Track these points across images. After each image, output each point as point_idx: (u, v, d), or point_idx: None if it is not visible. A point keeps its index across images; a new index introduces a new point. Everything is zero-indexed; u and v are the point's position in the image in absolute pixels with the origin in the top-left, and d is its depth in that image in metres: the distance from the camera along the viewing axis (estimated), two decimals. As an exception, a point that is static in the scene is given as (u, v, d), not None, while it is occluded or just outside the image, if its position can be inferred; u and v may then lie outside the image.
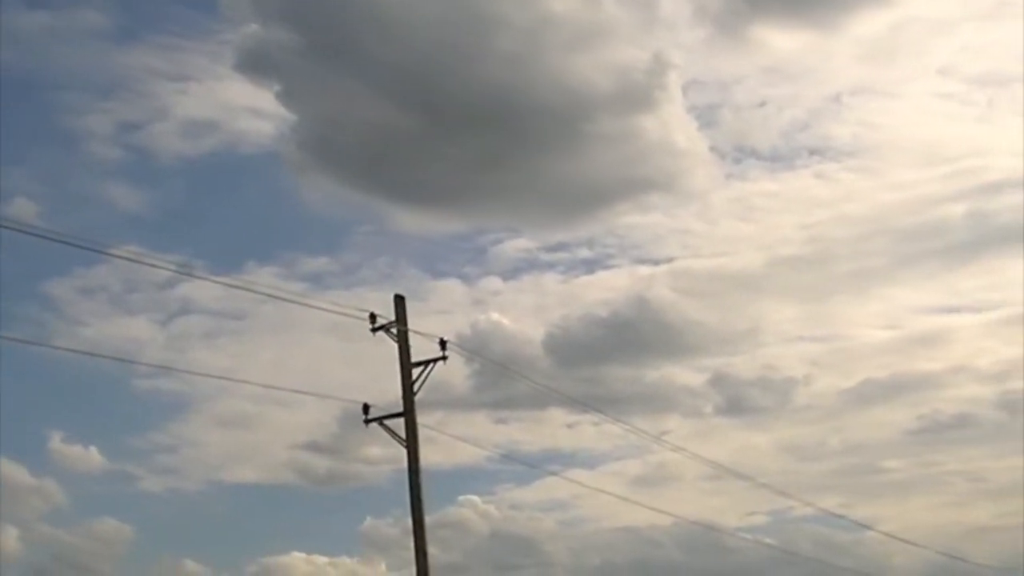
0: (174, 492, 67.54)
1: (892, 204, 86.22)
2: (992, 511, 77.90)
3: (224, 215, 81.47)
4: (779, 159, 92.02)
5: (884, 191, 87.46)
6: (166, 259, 49.40)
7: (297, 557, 62.21)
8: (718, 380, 78.28)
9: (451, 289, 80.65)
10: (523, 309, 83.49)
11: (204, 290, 70.75)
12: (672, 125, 77.49)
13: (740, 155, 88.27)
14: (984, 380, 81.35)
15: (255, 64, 75.09)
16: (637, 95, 73.85)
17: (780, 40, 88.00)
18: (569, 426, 71.37)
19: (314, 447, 67.33)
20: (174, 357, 70.45)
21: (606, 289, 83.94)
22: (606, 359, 76.54)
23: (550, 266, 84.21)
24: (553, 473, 54.95)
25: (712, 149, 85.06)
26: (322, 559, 62.71)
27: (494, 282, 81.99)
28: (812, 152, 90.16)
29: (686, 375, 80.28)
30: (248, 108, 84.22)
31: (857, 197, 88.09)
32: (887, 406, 79.62)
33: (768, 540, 65.41)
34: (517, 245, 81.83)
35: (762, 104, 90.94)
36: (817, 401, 79.07)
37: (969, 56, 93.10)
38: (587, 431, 70.63)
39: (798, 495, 60.64)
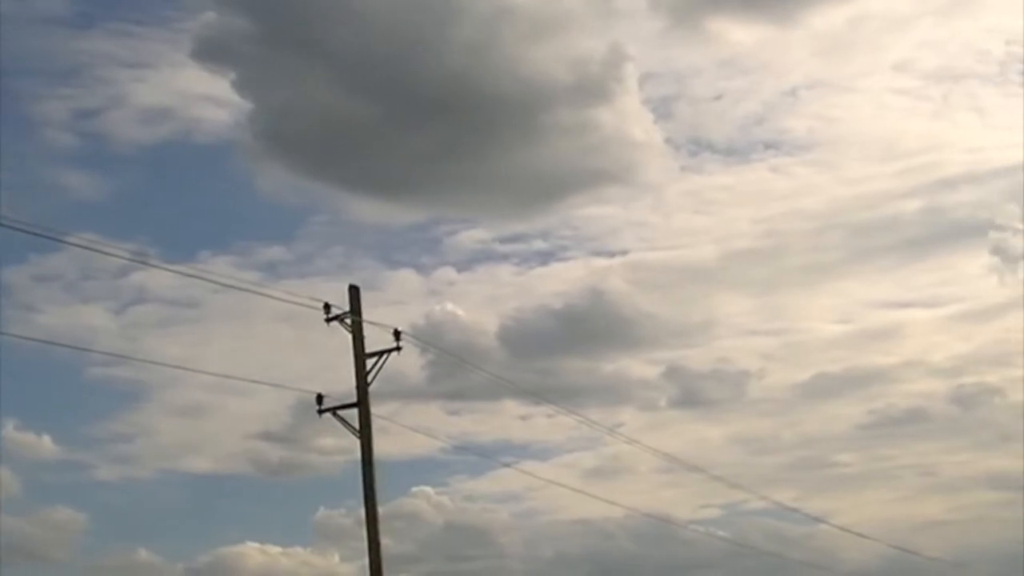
0: (128, 481, 67.32)
1: (847, 199, 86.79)
2: (944, 505, 78.75)
3: (180, 203, 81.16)
4: (735, 152, 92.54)
5: (839, 185, 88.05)
6: (122, 247, 49.15)
7: (251, 547, 62.19)
8: (672, 373, 78.63)
9: (406, 279, 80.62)
10: (478, 300, 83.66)
11: (159, 278, 70.41)
12: (628, 117, 77.69)
13: (696, 148, 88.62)
14: (937, 375, 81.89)
15: (212, 52, 74.70)
16: (594, 87, 74.01)
17: (737, 33, 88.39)
18: (523, 418, 71.54)
19: (268, 437, 67.20)
20: (128, 346, 70.18)
21: (561, 281, 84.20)
22: (561, 351, 76.79)
23: (505, 257, 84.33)
24: (507, 465, 55.10)
25: (668, 142, 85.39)
26: (275, 549, 62.70)
27: (449, 273, 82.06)
28: (768, 146, 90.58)
29: (640, 368, 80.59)
30: (205, 96, 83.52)
31: (812, 191, 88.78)
32: (840, 400, 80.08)
33: (721, 533, 65.72)
34: (473, 236, 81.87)
35: (718, 97, 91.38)
36: (770, 394, 79.54)
37: (925, 52, 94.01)
38: (541, 423, 70.72)
39: (751, 488, 60.83)
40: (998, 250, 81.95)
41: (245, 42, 69.02)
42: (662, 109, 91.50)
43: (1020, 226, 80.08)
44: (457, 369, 43.30)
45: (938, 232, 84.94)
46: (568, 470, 70.34)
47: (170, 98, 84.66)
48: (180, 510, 66.60)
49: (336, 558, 62.29)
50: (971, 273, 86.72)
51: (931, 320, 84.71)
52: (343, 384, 27.00)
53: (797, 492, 73.05)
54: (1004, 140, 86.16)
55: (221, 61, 77.66)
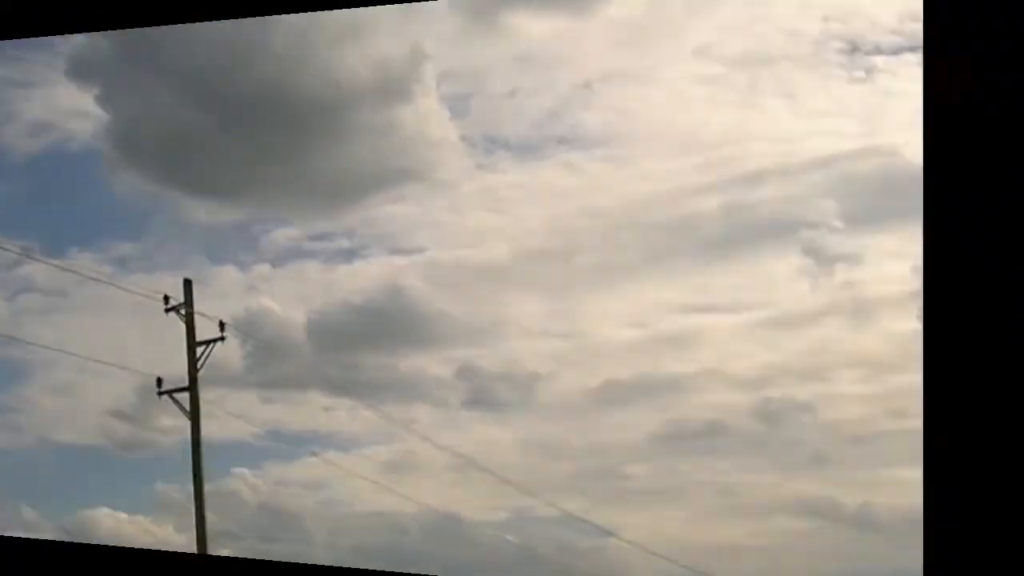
0: (15, 447, 72.27)
1: (642, 196, 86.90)
2: (743, 528, 78.72)
3: (55, 205, 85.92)
4: (528, 149, 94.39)
5: (634, 182, 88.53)
6: (14, 243, 53.21)
7: (104, 512, 64.74)
8: (464, 372, 79.88)
9: (228, 274, 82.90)
10: (290, 295, 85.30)
11: (41, 271, 75.47)
12: (427, 116, 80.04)
13: (491, 145, 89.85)
14: (738, 386, 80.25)
15: (81, 70, 78.21)
16: (396, 87, 76.68)
17: (534, 27, 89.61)
18: (326, 409, 73.32)
19: (119, 415, 70.07)
20: (17, 330, 74.85)
21: (363, 278, 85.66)
22: (362, 346, 78.45)
23: (313, 255, 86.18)
24: (314, 453, 56.88)
25: (463, 139, 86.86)
26: (123, 516, 65.15)
27: (264, 269, 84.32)
28: (560, 141, 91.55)
29: (435, 365, 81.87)
30: (76, 110, 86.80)
31: (606, 188, 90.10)
32: (632, 408, 79.83)
33: (510, 537, 66.94)
34: (286, 234, 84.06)
35: (512, 93, 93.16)
36: (561, 399, 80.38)
37: (730, 35, 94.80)
38: (342, 415, 72.75)
39: (541, 494, 62.67)
40: (811, 251, 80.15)
41: (106, 60, 72.13)
42: (458, 107, 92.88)
43: (838, 223, 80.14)
44: (273, 359, 45.53)
45: (741, 231, 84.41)
46: (366, 462, 72.06)
47: (50, 113, 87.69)
48: (53, 475, 71.34)
49: (171, 528, 64.56)
50: (776, 276, 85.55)
51: (732, 326, 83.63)
52: (182, 369, 29.12)
53: (587, 502, 73.75)
54: (819, 128, 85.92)
55: (88, 78, 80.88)
